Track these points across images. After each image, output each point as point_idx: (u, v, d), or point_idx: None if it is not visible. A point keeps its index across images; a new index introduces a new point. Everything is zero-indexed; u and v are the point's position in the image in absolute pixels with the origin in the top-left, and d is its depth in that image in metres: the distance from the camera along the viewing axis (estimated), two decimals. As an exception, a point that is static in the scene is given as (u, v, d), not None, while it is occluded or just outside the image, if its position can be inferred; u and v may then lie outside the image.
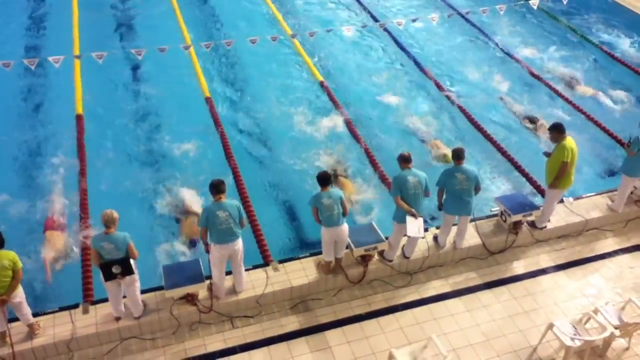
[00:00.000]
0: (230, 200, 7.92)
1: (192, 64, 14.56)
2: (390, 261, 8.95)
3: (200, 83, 13.98)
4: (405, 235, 8.54)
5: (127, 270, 7.33)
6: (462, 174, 8.59)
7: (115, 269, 7.25)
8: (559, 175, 8.97)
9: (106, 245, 7.22)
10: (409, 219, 8.32)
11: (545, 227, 9.69)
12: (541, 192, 10.49)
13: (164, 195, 10.70)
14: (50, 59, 11.26)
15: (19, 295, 7.29)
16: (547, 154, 9.28)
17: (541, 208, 9.51)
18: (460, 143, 11.54)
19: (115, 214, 7.35)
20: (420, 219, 8.38)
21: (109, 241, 7.24)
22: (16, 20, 16.76)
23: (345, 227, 8.31)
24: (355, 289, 8.75)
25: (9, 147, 11.83)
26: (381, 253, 9.00)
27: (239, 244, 7.95)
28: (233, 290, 8.38)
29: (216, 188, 7.78)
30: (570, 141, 8.97)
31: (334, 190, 8.26)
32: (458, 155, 8.66)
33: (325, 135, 12.48)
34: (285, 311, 8.43)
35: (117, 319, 7.88)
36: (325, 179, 8.19)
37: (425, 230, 8.77)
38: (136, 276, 7.59)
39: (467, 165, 8.73)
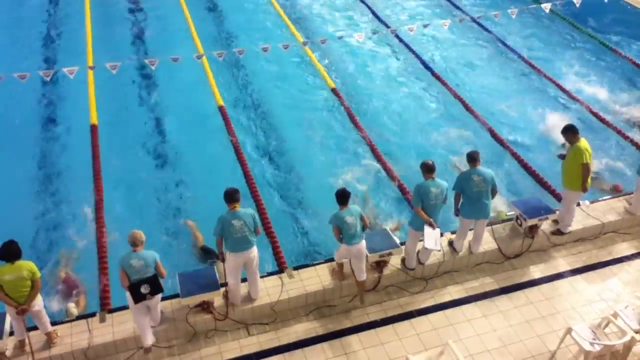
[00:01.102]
0: (245, 209, 7.92)
1: (204, 72, 14.65)
2: (412, 269, 8.88)
3: (213, 91, 14.05)
4: (421, 240, 8.49)
5: (157, 289, 7.15)
6: (478, 175, 8.54)
7: (144, 289, 7.04)
8: (585, 177, 8.86)
9: (135, 262, 7.08)
10: (427, 229, 8.24)
11: (569, 231, 9.58)
12: (556, 197, 10.40)
13: (177, 202, 10.79)
14: (64, 70, 11.41)
15: (38, 304, 7.36)
16: (562, 156, 9.21)
17: (557, 212, 9.44)
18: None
19: (144, 236, 7.26)
20: (438, 230, 8.29)
21: (137, 258, 7.12)
22: (30, 33, 16.99)
23: (363, 242, 8.22)
24: (371, 295, 8.72)
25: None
26: (403, 261, 8.96)
27: (254, 251, 7.96)
28: (248, 298, 8.38)
29: (231, 197, 7.78)
30: (584, 142, 8.89)
31: (353, 207, 8.13)
32: (473, 157, 8.61)
33: (337, 139, 12.50)
34: (300, 318, 8.42)
35: (147, 350, 7.71)
36: (344, 197, 8.02)
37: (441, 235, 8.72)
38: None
39: (482, 167, 8.68)
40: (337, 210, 8.05)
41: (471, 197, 8.62)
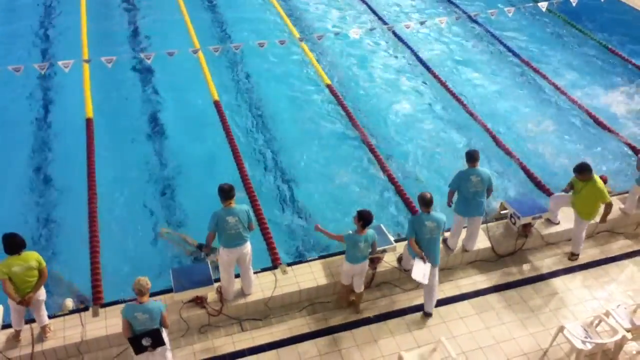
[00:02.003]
0: (240, 205, 7.89)
1: (200, 67, 14.60)
2: (408, 271, 8.76)
3: (209, 86, 14.02)
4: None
5: (158, 342, 6.78)
6: (476, 176, 8.54)
7: (145, 342, 6.68)
8: (608, 214, 8.93)
9: (140, 315, 6.66)
10: (417, 261, 7.98)
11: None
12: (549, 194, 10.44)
13: (170, 196, 10.77)
14: (59, 63, 11.34)
15: (43, 293, 7.41)
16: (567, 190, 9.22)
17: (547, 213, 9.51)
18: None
19: (149, 283, 6.77)
20: (428, 266, 7.95)
21: (143, 311, 6.67)
22: (25, 26, 16.88)
23: (367, 262, 8.13)
24: (364, 292, 8.72)
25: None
26: (399, 260, 8.95)
27: (248, 247, 7.96)
28: (242, 294, 8.38)
29: (226, 194, 7.72)
30: (598, 179, 8.80)
31: (370, 232, 7.92)
32: (473, 157, 8.60)
33: (333, 134, 12.51)
34: (293, 314, 8.43)
35: None
36: (368, 222, 7.79)
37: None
38: (168, 346, 7.06)
39: (480, 167, 8.68)
40: (355, 232, 7.85)
41: (467, 196, 8.64)
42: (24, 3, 18.12)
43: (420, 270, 7.88)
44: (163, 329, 6.85)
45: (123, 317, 6.72)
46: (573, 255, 9.43)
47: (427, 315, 8.35)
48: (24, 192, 10.96)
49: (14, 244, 7.10)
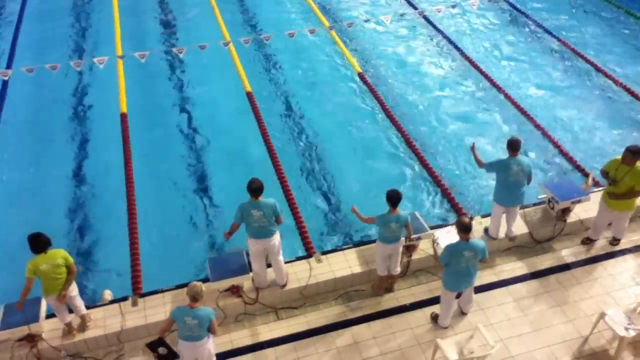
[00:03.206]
0: (267, 199, 7.82)
1: (232, 59, 14.69)
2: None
3: (241, 77, 14.09)
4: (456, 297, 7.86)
5: (173, 356, 6.85)
6: (517, 165, 8.33)
7: (161, 350, 6.77)
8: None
9: (189, 320, 6.60)
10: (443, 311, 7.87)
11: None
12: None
13: (205, 191, 10.90)
14: (95, 60, 11.57)
15: (74, 289, 7.57)
16: (605, 175, 8.62)
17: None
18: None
19: (204, 289, 6.70)
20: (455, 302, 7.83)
21: (193, 316, 6.61)
22: (61, 25, 17.24)
23: (400, 243, 8.07)
24: (400, 279, 8.68)
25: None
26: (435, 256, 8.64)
27: (275, 239, 7.94)
28: (276, 283, 8.44)
29: (255, 191, 7.69)
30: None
31: (403, 214, 7.80)
32: (514, 146, 8.35)
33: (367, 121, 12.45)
34: (329, 302, 8.45)
35: None
36: (397, 200, 7.68)
37: (471, 218, 8.55)
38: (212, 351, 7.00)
39: (522, 156, 8.47)
40: (386, 213, 7.77)
41: (508, 186, 8.45)
42: (59, 2, 18.48)
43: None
44: (210, 335, 6.88)
45: (170, 317, 6.75)
46: (615, 240, 9.17)
47: (464, 314, 8.20)
48: (63, 185, 11.23)
49: (40, 243, 7.17)
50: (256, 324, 8.16)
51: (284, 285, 8.40)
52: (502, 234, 9.09)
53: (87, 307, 8.00)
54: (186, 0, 18.39)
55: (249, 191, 7.74)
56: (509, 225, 9.03)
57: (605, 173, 8.63)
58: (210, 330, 6.81)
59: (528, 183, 8.61)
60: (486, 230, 9.15)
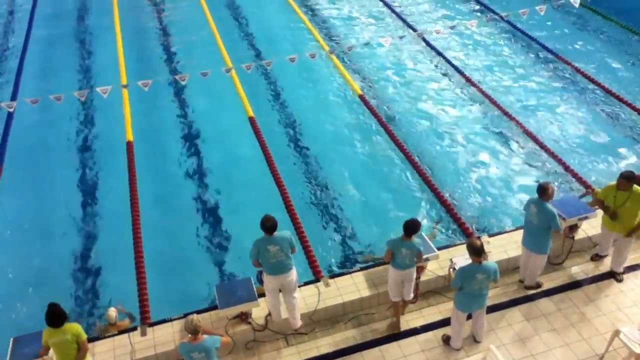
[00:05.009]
0: (282, 233, 7.74)
1: (234, 85, 14.79)
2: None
3: (243, 103, 14.16)
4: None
5: None
6: (535, 206, 8.07)
7: None
8: None
9: (196, 355, 6.64)
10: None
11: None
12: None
13: (212, 217, 10.90)
14: (98, 89, 11.66)
15: None
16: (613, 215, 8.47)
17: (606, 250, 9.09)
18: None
19: (201, 320, 6.65)
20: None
21: (199, 350, 6.63)
22: (64, 55, 17.41)
23: (413, 270, 7.91)
24: (412, 303, 8.60)
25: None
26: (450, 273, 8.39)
27: (292, 275, 7.84)
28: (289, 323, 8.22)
29: (270, 230, 7.57)
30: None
31: (416, 241, 7.69)
32: (542, 190, 8.02)
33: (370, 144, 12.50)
34: (338, 327, 8.36)
35: None
36: (411, 230, 7.57)
37: (479, 238, 8.48)
38: None
39: (547, 204, 8.05)
40: (399, 237, 7.69)
41: (529, 228, 8.29)
42: (62, 33, 18.69)
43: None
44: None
45: (180, 352, 6.75)
46: (597, 257, 9.20)
47: (477, 342, 8.04)
48: (68, 212, 11.26)
49: (54, 317, 6.96)
50: (266, 350, 8.08)
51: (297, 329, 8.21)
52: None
53: (96, 339, 7.94)
54: (187, 27, 18.58)
55: (263, 230, 7.62)
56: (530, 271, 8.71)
57: (601, 203, 8.52)
58: (220, 348, 6.83)
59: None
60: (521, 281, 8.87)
